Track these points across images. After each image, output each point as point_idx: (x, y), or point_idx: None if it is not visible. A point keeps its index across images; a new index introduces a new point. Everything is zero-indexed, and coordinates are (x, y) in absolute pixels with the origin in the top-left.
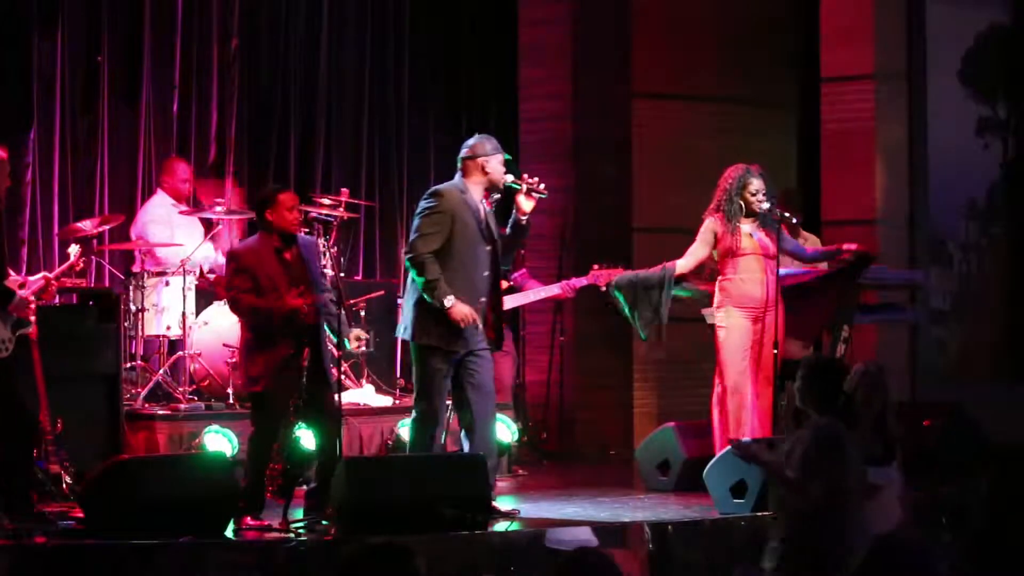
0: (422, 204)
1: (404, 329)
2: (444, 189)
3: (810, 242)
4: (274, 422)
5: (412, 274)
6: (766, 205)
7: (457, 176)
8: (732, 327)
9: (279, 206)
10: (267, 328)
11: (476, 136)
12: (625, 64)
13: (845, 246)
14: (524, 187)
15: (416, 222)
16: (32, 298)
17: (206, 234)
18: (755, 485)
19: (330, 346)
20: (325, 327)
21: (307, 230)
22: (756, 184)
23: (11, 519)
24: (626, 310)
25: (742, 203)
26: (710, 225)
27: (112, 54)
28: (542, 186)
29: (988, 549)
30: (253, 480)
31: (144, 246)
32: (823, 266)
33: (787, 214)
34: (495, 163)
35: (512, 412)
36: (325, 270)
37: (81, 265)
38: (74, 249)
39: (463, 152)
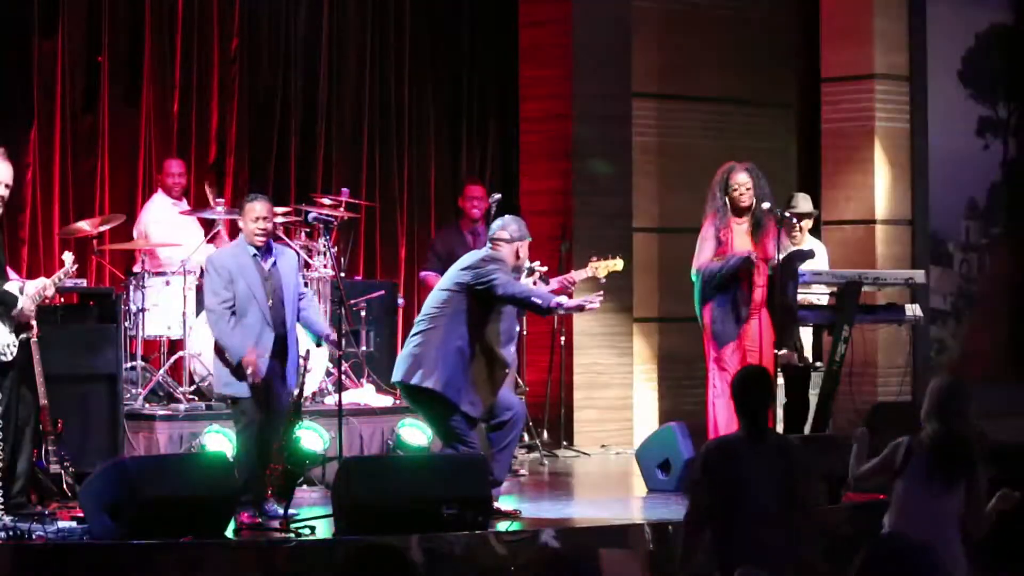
0: (492, 266)
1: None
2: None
3: (812, 245)
4: (251, 421)
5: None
6: (766, 204)
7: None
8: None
9: (245, 215)
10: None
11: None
12: (625, 64)
13: None
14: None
15: (491, 268)
16: (33, 306)
17: (206, 234)
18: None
19: (309, 346)
20: (300, 331)
21: (307, 230)
22: (739, 178)
23: (11, 519)
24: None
25: (728, 200)
26: (706, 226)
27: (112, 54)
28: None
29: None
30: (245, 479)
31: (145, 246)
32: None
33: (787, 214)
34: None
35: None
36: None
37: (75, 272)
38: (68, 256)
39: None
